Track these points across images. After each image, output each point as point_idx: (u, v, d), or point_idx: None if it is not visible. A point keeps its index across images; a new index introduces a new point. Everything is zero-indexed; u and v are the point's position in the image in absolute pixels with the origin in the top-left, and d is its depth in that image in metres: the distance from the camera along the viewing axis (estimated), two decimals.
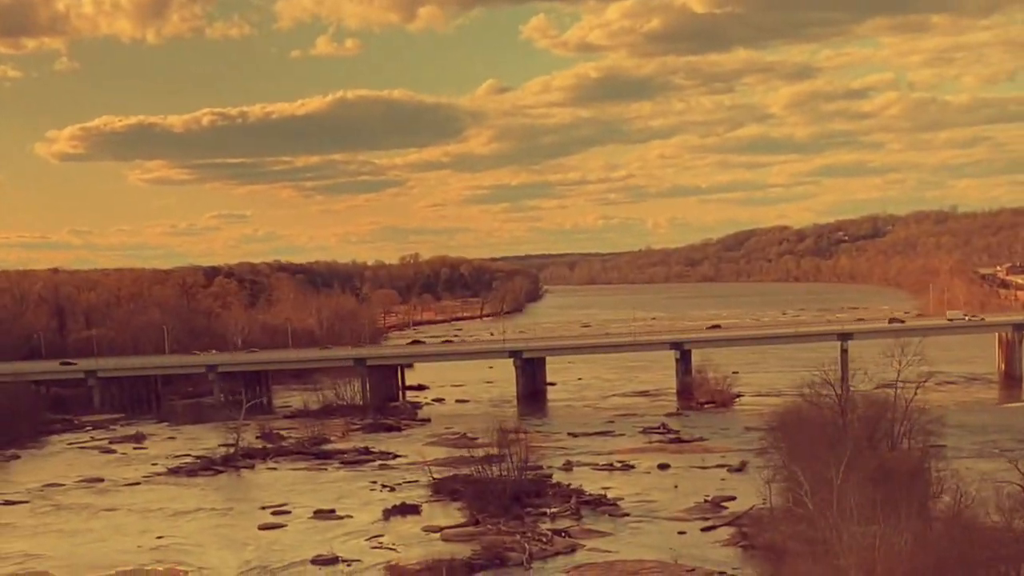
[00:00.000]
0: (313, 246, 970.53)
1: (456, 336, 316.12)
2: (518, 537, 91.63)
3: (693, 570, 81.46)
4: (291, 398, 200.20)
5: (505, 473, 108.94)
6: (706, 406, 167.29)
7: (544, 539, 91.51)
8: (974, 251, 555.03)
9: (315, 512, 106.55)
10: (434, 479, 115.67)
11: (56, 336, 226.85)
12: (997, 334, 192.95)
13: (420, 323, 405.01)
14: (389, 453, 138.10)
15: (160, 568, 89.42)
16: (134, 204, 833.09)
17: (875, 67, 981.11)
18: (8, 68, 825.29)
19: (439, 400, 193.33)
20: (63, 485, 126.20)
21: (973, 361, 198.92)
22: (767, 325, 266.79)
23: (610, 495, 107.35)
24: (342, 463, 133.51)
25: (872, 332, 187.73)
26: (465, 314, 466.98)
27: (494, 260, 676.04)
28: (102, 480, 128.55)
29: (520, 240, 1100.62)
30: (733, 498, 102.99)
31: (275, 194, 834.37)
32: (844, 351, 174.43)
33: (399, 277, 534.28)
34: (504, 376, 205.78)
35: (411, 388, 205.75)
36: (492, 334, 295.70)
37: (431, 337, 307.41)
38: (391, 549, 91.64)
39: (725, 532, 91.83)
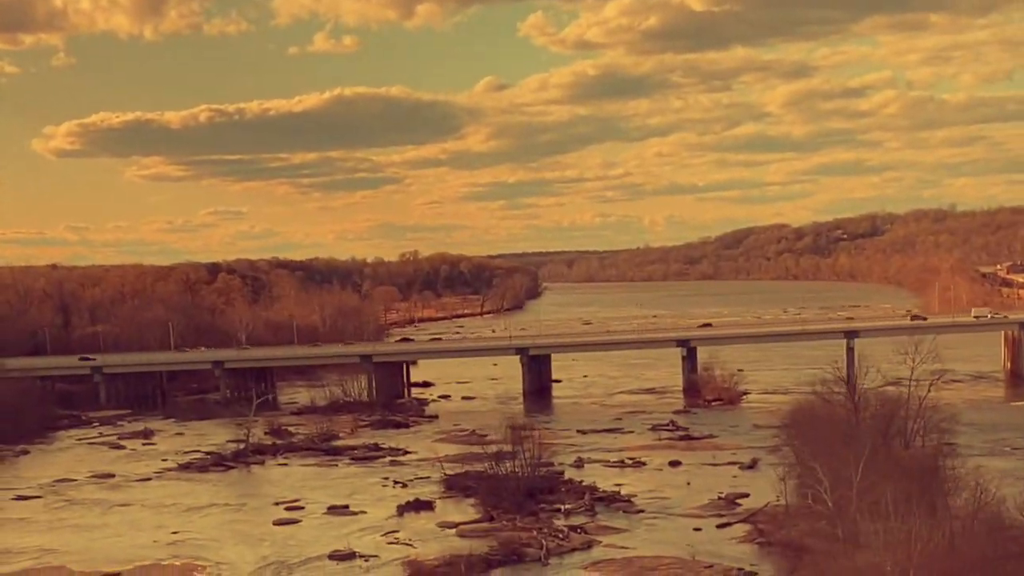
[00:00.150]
0: (310, 243, 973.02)
1: (458, 333, 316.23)
2: (534, 533, 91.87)
3: (711, 566, 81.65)
4: (295, 395, 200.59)
5: (518, 470, 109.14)
6: (713, 403, 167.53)
7: (561, 535, 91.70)
8: (973, 250, 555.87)
9: (329, 508, 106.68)
10: (446, 475, 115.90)
11: (61, 332, 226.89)
12: (1003, 332, 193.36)
13: (421, 320, 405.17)
14: (399, 449, 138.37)
15: (177, 563, 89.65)
16: (131, 200, 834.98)
17: (873, 66, 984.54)
18: (5, 64, 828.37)
19: (445, 397, 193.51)
20: (75, 481, 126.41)
21: (978, 360, 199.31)
22: (769, 323, 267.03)
23: (623, 492, 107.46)
24: (352, 459, 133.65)
25: (879, 330, 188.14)
26: (465, 311, 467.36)
27: (492, 258, 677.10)
28: (113, 476, 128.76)
29: (517, 237, 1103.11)
30: (747, 495, 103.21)
31: (272, 191, 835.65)
32: (851, 349, 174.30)
33: (399, 274, 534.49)
34: (508, 373, 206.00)
35: (416, 385, 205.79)
36: (494, 331, 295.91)
37: (432, 334, 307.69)
38: (408, 545, 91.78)
39: (741, 529, 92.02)
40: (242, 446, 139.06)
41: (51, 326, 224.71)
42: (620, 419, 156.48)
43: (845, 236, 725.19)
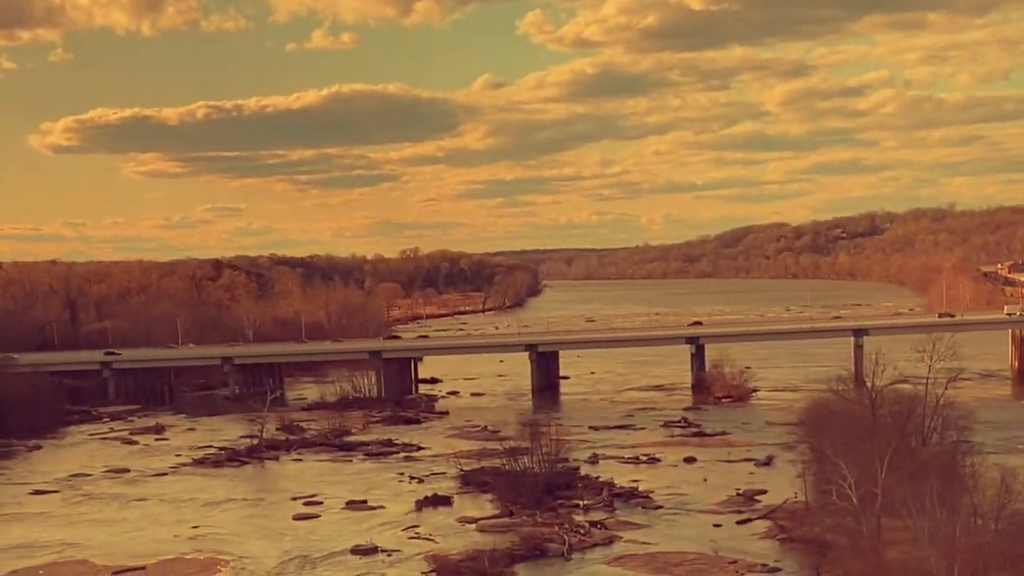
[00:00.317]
0: (307, 240, 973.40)
1: (461, 330, 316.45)
2: (556, 529, 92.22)
3: (735, 562, 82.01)
4: (303, 390, 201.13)
5: (535, 465, 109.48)
6: (723, 401, 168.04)
7: (582, 531, 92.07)
8: (972, 249, 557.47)
9: (347, 503, 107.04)
10: (462, 471, 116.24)
11: (68, 328, 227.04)
12: (1011, 331, 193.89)
13: (424, 317, 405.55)
14: (413, 445, 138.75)
15: (201, 557, 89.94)
16: (128, 196, 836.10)
17: (870, 65, 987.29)
18: (3, 60, 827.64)
19: (454, 393, 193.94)
20: (90, 475, 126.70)
21: (984, 358, 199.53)
22: (772, 321, 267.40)
23: (640, 488, 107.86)
24: (366, 455, 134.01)
25: (888, 327, 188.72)
26: (467, 308, 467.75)
27: (491, 255, 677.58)
28: (128, 471, 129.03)
29: (514, 235, 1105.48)
30: (764, 491, 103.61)
31: (269, 187, 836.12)
32: (859, 347, 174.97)
33: (400, 271, 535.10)
34: (514, 370, 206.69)
35: (423, 381, 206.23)
36: (497, 328, 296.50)
37: (436, 331, 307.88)
38: (429, 540, 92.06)
39: (761, 525, 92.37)
40: (255, 441, 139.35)
41: (58, 321, 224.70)
42: (631, 416, 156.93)
43: (844, 235, 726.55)
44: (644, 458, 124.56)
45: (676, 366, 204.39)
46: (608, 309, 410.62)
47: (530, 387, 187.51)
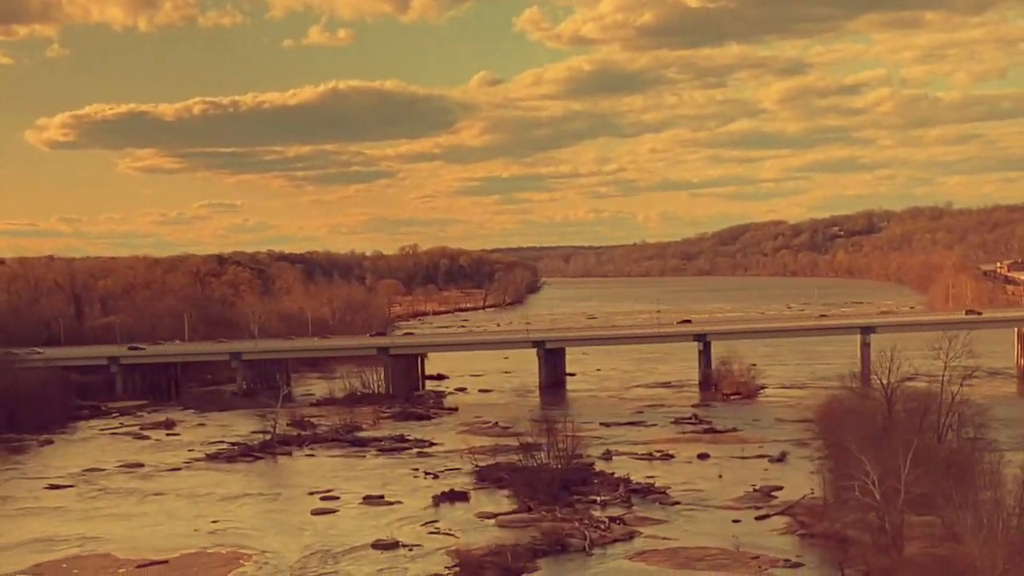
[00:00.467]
0: (303, 236, 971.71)
1: (463, 327, 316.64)
2: (576, 524, 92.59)
3: (757, 557, 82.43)
4: (310, 386, 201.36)
5: (551, 461, 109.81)
6: (731, 397, 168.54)
7: (602, 526, 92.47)
8: (970, 247, 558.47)
9: (364, 498, 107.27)
10: (477, 467, 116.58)
11: (73, 323, 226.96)
12: (1016, 329, 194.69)
13: (425, 313, 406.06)
14: (425, 441, 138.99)
15: (223, 551, 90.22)
16: (124, 192, 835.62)
17: (867, 63, 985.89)
18: None
19: (461, 389, 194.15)
20: (104, 470, 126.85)
21: (990, 356, 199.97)
22: (776, 318, 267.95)
23: (656, 484, 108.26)
24: (379, 450, 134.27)
25: (896, 325, 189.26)
26: (468, 305, 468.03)
27: (486, 252, 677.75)
28: (142, 465, 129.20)
29: (511, 232, 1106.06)
30: (780, 487, 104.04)
31: (266, 184, 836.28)
32: (866, 344, 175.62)
33: (399, 268, 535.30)
34: (519, 366, 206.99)
35: (430, 378, 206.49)
36: (499, 324, 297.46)
37: (439, 327, 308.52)
38: (449, 534, 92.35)
39: (780, 521, 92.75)
40: (268, 437, 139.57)
41: (64, 316, 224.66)
42: (641, 412, 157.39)
43: (842, 233, 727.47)
44: (658, 454, 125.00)
45: (681, 363, 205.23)
46: (608, 307, 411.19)
47: (537, 384, 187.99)
